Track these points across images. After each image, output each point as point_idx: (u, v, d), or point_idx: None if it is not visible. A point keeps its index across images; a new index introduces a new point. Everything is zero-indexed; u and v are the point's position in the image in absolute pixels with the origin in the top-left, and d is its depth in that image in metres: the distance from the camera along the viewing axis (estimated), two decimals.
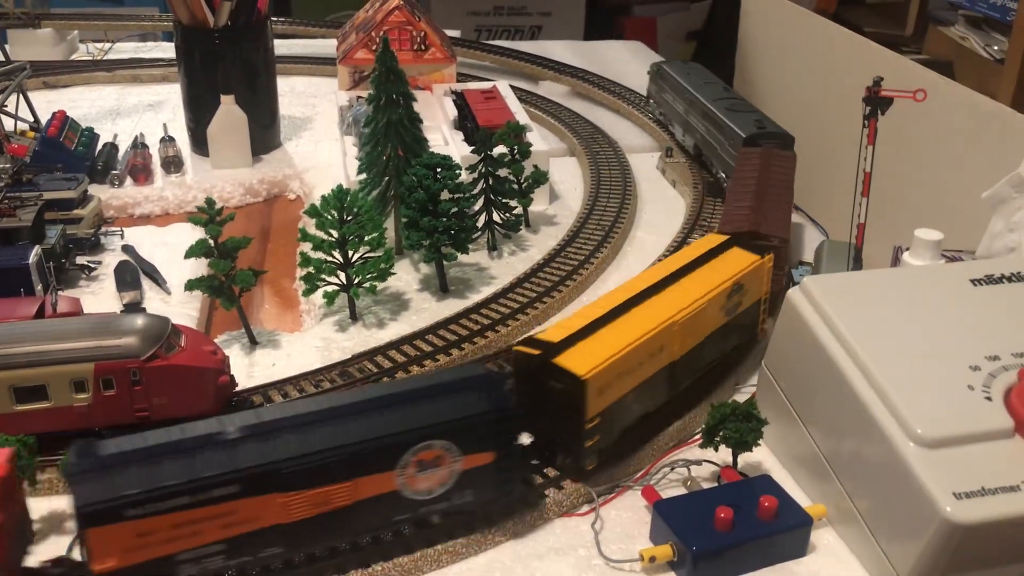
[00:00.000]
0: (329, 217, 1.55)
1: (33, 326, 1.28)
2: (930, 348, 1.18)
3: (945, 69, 4.31)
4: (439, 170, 1.65)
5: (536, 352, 1.21)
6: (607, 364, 1.18)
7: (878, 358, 1.16)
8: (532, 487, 1.21)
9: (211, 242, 1.47)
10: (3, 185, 1.73)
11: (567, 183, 2.18)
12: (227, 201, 2.11)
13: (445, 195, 1.66)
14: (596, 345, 1.21)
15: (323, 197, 1.55)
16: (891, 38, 4.73)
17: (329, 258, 1.57)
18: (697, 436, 1.34)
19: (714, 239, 1.51)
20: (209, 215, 1.46)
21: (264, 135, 2.25)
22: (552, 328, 1.26)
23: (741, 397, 1.44)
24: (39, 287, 1.55)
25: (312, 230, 1.58)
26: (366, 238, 1.58)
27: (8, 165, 2.01)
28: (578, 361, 1.17)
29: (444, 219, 1.65)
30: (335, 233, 1.56)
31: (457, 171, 1.67)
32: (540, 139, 2.06)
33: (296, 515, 1.05)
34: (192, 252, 1.48)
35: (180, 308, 1.65)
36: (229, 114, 2.10)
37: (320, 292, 1.60)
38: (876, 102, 1.54)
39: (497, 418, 1.11)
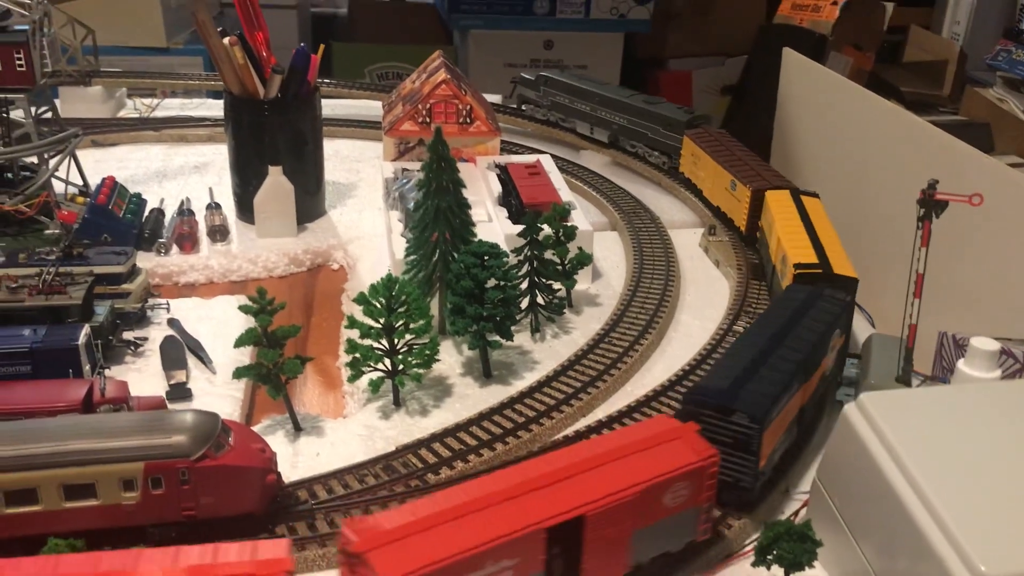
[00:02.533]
0: (377, 305, 1.55)
1: (84, 421, 1.28)
2: (991, 475, 1.15)
3: (983, 131, 4.30)
4: (486, 258, 1.64)
5: (818, 270, 1.73)
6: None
7: (937, 484, 1.13)
8: None
9: (260, 331, 1.47)
10: (54, 259, 1.74)
11: (609, 260, 2.17)
12: (271, 271, 2.12)
13: (491, 282, 1.66)
14: (835, 258, 1.78)
15: (372, 285, 1.55)
16: (928, 98, 4.74)
17: (376, 345, 1.57)
18: (747, 548, 1.31)
19: (782, 194, 2.07)
20: (260, 305, 1.46)
21: (309, 203, 2.27)
22: (793, 253, 1.78)
23: (791, 505, 1.42)
24: (87, 367, 1.56)
25: (360, 316, 1.57)
26: (412, 326, 1.58)
27: (58, 231, 2.05)
28: (846, 269, 1.74)
29: (490, 306, 1.64)
30: (382, 321, 1.56)
31: (504, 259, 1.67)
32: (583, 217, 2.06)
33: (805, 399, 1.45)
34: (242, 341, 1.49)
35: (224, 388, 1.65)
36: (276, 185, 2.12)
37: (365, 378, 1.59)
38: (930, 205, 1.52)
39: (844, 312, 1.60)
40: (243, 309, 1.49)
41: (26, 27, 1.99)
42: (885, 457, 1.18)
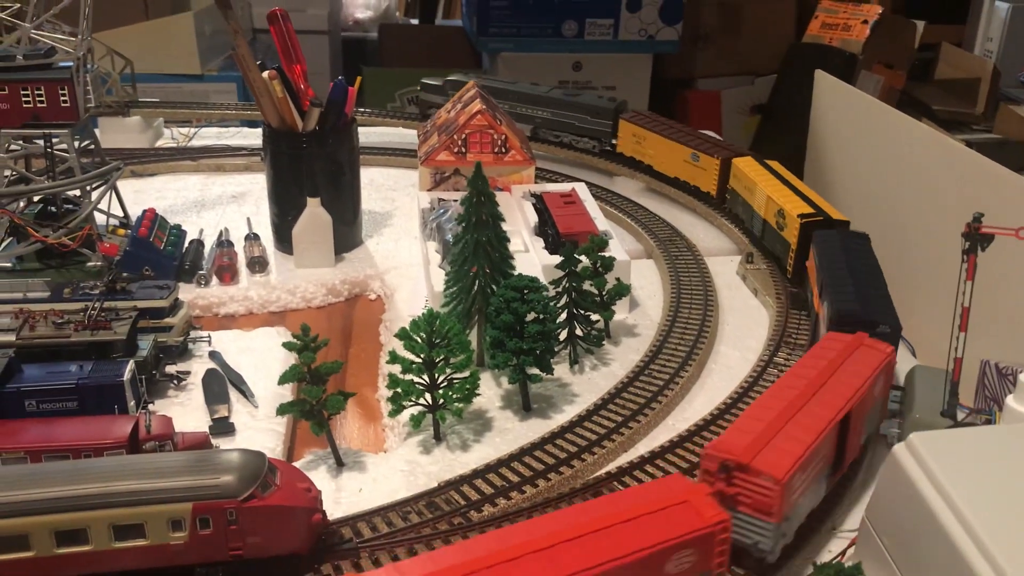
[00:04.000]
0: (419, 340, 1.56)
1: (133, 461, 1.29)
2: None
3: (1019, 149, 4.25)
4: (526, 292, 1.65)
5: (819, 217, 2.05)
6: None
7: (991, 527, 1.11)
8: None
9: (304, 368, 1.48)
10: (98, 294, 1.76)
11: (646, 289, 2.17)
12: (310, 301, 2.13)
13: (531, 316, 1.66)
14: (824, 206, 2.10)
15: (413, 321, 1.56)
16: (961, 116, 4.69)
17: (417, 379, 1.58)
18: None
19: (747, 160, 2.43)
20: (303, 342, 1.47)
21: (347, 233, 2.28)
22: (790, 207, 2.09)
23: (837, 543, 1.41)
24: (132, 403, 1.57)
25: (401, 351, 1.58)
26: (453, 360, 1.58)
27: (100, 264, 2.07)
28: (837, 214, 2.07)
29: (530, 340, 1.64)
30: (423, 356, 1.56)
31: (544, 292, 1.67)
32: (620, 247, 2.05)
33: None
34: (286, 378, 1.50)
35: (266, 423, 1.66)
36: (314, 216, 2.13)
37: (406, 412, 1.60)
38: (976, 238, 1.51)
39: (868, 243, 1.97)
40: (287, 347, 1.50)
41: (70, 64, 2.02)
42: (936, 498, 1.17)
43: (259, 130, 2.97)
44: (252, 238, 2.25)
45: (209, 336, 1.87)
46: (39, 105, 2.03)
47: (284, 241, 2.25)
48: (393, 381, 1.57)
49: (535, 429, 1.65)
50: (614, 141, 2.81)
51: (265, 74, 2.10)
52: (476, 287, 1.75)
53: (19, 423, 1.48)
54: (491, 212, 1.69)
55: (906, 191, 2.65)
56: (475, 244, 1.70)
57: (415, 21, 5.81)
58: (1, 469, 1.34)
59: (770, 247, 2.23)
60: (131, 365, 1.60)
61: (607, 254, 1.90)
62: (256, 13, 4.54)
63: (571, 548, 1.07)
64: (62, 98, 2.03)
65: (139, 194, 2.56)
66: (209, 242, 2.28)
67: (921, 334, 2.15)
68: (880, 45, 4.59)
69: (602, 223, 2.16)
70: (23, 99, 2.02)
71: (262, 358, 1.84)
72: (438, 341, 1.56)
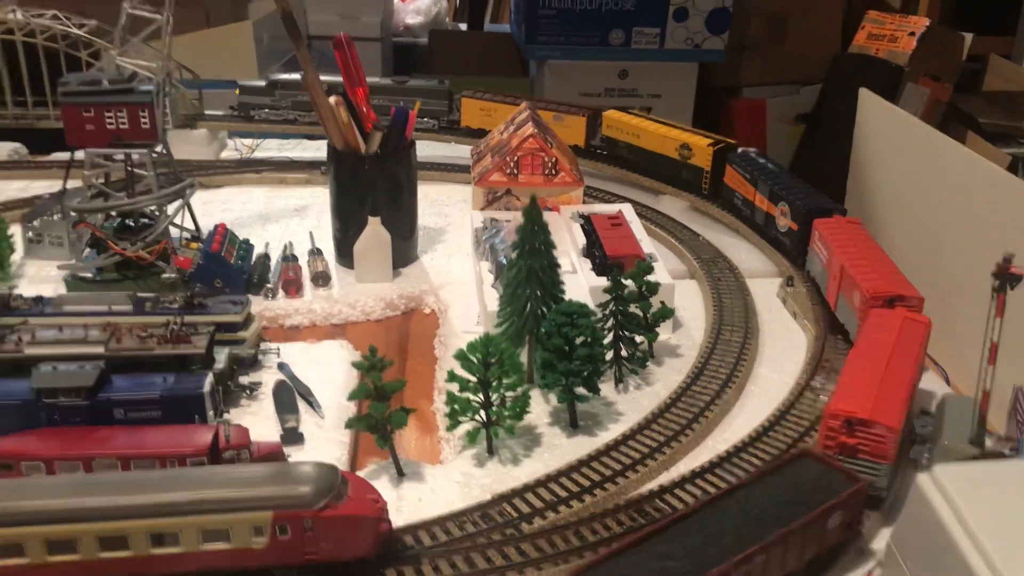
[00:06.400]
0: (474, 360, 1.67)
1: (220, 472, 1.42)
2: None
3: None
4: (576, 317, 1.75)
5: (722, 145, 2.66)
6: None
7: (1015, 566, 1.19)
8: None
9: (371, 386, 1.60)
10: (178, 308, 1.90)
11: (689, 310, 2.26)
12: (369, 315, 2.26)
13: (579, 339, 1.76)
14: (720, 136, 2.68)
15: (470, 343, 1.67)
16: (1008, 130, 4.69)
17: (473, 398, 1.69)
18: None
19: (615, 112, 2.98)
20: (371, 362, 1.59)
21: (404, 248, 2.40)
22: (694, 141, 2.67)
23: (863, 566, 1.49)
24: (210, 412, 1.71)
25: (458, 371, 1.69)
26: (506, 380, 1.69)
27: (174, 275, 2.22)
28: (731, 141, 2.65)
29: (578, 363, 1.75)
30: (478, 376, 1.68)
31: (593, 317, 1.78)
32: (664, 269, 2.15)
33: None
34: (355, 395, 1.62)
35: (333, 433, 1.78)
36: (375, 234, 2.26)
37: (461, 428, 1.71)
38: (1006, 278, 1.58)
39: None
40: (357, 366, 1.62)
41: (151, 88, 2.16)
42: (960, 533, 1.24)
43: (318, 142, 3.11)
44: (315, 253, 2.38)
45: (279, 348, 2.00)
46: (121, 127, 2.18)
47: (345, 256, 2.38)
48: (451, 398, 1.69)
49: (582, 446, 1.76)
50: (453, 117, 3.14)
51: (331, 99, 2.23)
52: (528, 309, 1.85)
53: (109, 430, 1.61)
54: (544, 241, 1.80)
55: (946, 215, 2.70)
56: (528, 270, 1.81)
57: (463, 26, 5.92)
58: (103, 476, 1.47)
59: (673, 175, 2.77)
60: (210, 377, 1.73)
61: (652, 279, 2.00)
62: (312, 20, 4.68)
63: (900, 349, 1.69)
64: (142, 120, 2.17)
65: (207, 205, 2.70)
66: (274, 256, 2.41)
67: (957, 360, 2.21)
68: (927, 57, 4.59)
69: (647, 245, 2.25)
70: (107, 121, 2.17)
71: (327, 370, 1.96)
72: (493, 362, 1.67)
